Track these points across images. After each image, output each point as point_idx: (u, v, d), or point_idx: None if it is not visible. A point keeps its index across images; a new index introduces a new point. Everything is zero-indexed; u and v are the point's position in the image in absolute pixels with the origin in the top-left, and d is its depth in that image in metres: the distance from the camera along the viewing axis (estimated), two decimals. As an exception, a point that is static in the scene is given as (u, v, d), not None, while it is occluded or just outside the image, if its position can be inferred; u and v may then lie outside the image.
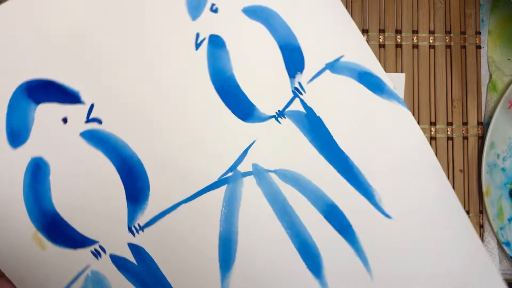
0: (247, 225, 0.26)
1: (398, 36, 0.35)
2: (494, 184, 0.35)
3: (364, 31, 0.35)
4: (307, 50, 0.28)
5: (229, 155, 0.27)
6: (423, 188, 0.28)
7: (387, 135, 0.28)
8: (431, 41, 0.35)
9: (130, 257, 0.26)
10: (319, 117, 0.28)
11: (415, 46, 0.35)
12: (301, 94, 0.28)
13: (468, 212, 0.35)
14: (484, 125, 0.35)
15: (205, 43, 0.27)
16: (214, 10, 0.27)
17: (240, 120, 0.27)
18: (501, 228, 0.35)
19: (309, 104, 0.28)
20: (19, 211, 0.25)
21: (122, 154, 0.26)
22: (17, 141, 0.25)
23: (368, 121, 0.28)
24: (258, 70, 0.28)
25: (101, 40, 0.26)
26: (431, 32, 0.35)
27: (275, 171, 0.27)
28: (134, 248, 0.26)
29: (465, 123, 0.35)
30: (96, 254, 0.26)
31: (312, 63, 0.28)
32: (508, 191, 0.35)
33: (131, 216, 0.26)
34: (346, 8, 0.35)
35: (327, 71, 0.28)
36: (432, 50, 0.35)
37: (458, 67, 0.35)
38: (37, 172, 0.25)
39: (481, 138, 0.35)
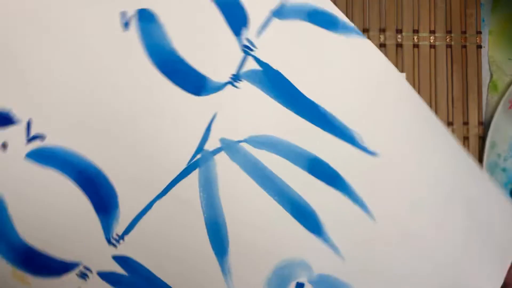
0: (232, 204, 0.24)
1: (399, 36, 0.35)
2: (495, 184, 0.35)
3: (365, 31, 0.35)
4: (247, 1, 0.26)
5: (192, 136, 0.24)
6: (401, 115, 0.26)
7: (352, 71, 0.26)
8: (431, 41, 0.35)
9: (118, 269, 0.24)
10: (277, 70, 0.25)
11: (416, 46, 0.35)
12: (252, 50, 0.25)
13: (468, 212, 0.35)
14: (484, 125, 0.35)
15: (134, 21, 0.24)
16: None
17: (193, 95, 0.25)
18: (501, 229, 0.34)
19: (263, 59, 0.25)
20: None
21: (77, 166, 0.24)
22: None
23: (329, 62, 0.26)
24: (199, 36, 0.25)
25: (22, 46, 0.24)
26: (432, 32, 0.35)
27: (245, 140, 0.25)
28: (120, 259, 0.24)
29: (465, 123, 0.35)
30: (83, 275, 0.24)
31: (255, 14, 0.26)
32: (509, 191, 0.35)
33: (106, 227, 0.24)
34: (346, 7, 0.35)
35: (275, 19, 0.26)
36: (432, 49, 0.35)
37: (458, 67, 0.35)
38: None
39: (482, 138, 0.35)
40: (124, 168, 0.24)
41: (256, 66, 0.25)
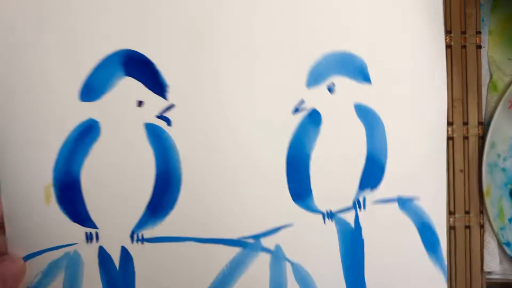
0: None
1: (398, 36, 0.35)
2: (495, 184, 0.35)
3: (364, 31, 0.35)
4: (389, 172, 0.28)
5: (260, 224, 0.26)
6: None
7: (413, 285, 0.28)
8: (431, 41, 0.35)
9: (116, 259, 0.25)
10: (363, 239, 0.27)
11: (416, 46, 0.35)
12: (360, 209, 0.27)
13: (468, 212, 0.35)
14: (484, 125, 0.35)
15: (305, 112, 0.27)
16: (330, 89, 0.27)
17: (290, 198, 0.26)
18: (501, 229, 0.34)
19: (361, 222, 0.27)
20: (48, 158, 0.24)
21: (169, 163, 0.25)
22: (87, 97, 0.25)
23: (403, 271, 0.28)
24: (333, 165, 0.27)
25: (217, 52, 0.26)
26: (432, 32, 0.35)
27: (292, 263, 0.26)
28: (124, 253, 0.25)
29: (465, 123, 0.35)
30: (89, 237, 0.25)
31: (386, 186, 0.28)
32: (509, 191, 0.35)
33: (141, 223, 0.25)
34: (346, 7, 0.35)
35: (395, 203, 0.28)
36: (432, 50, 0.35)
37: (458, 67, 0.35)
38: (86, 134, 0.25)
39: (482, 138, 0.35)
40: (196, 199, 0.25)
41: (351, 221, 0.28)
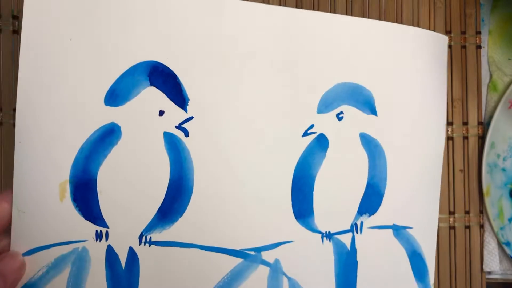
0: None
1: (398, 36, 0.35)
2: (495, 184, 0.35)
3: (364, 31, 0.35)
4: (387, 201, 0.29)
5: (262, 238, 0.27)
6: None
7: None
8: (431, 41, 0.35)
9: (123, 259, 0.26)
10: (357, 262, 0.29)
11: (416, 46, 0.35)
12: (356, 233, 0.29)
13: (468, 212, 0.35)
14: (484, 125, 0.35)
15: (313, 136, 0.28)
16: (339, 117, 0.29)
17: (293, 216, 0.28)
18: (501, 228, 0.34)
19: (357, 245, 0.29)
20: (67, 156, 0.25)
21: (183, 172, 0.26)
22: (112, 102, 0.26)
23: None
24: (336, 189, 0.28)
25: (239, 73, 0.27)
26: (432, 32, 0.35)
27: (289, 278, 0.27)
28: (131, 254, 0.26)
29: (465, 123, 0.35)
30: (99, 236, 0.26)
31: (383, 214, 0.29)
32: (509, 191, 0.35)
33: (150, 226, 0.26)
34: (346, 7, 0.35)
35: (390, 230, 0.30)
36: (432, 50, 0.35)
37: (458, 67, 0.35)
38: (107, 136, 0.26)
39: (482, 138, 0.35)
40: (206, 208, 0.27)
41: (347, 243, 0.29)
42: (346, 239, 0.29)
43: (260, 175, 0.27)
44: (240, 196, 0.27)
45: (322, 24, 0.28)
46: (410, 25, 0.35)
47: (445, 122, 0.31)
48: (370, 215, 0.29)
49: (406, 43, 0.30)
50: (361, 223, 0.29)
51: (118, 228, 0.26)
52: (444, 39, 0.31)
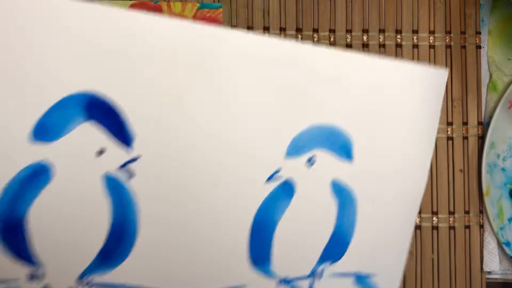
0: None
1: (398, 36, 0.35)
2: (494, 184, 0.35)
3: (364, 31, 0.35)
4: (352, 249, 0.27)
5: (213, 282, 0.25)
6: None
7: None
8: (431, 41, 0.35)
9: None
10: None
11: (415, 46, 0.35)
12: (315, 279, 0.27)
13: (468, 212, 0.35)
14: (484, 125, 0.35)
15: (278, 182, 0.26)
16: (310, 162, 0.26)
17: (251, 264, 0.26)
18: (501, 228, 0.34)
19: None
20: None
21: (126, 216, 0.24)
22: (41, 136, 0.23)
23: None
24: (298, 236, 0.26)
25: (198, 108, 0.24)
26: (431, 32, 0.35)
27: None
28: None
29: (465, 123, 0.35)
30: (33, 276, 0.24)
31: (346, 261, 0.27)
32: (508, 191, 0.35)
33: (91, 268, 0.24)
34: (346, 8, 0.35)
35: (352, 278, 0.28)
36: (432, 50, 0.35)
37: (458, 67, 0.35)
38: (35, 177, 0.23)
39: (481, 138, 0.35)
40: (150, 258, 0.24)
41: None
42: (304, 285, 0.27)
43: (216, 221, 0.25)
44: (193, 239, 0.25)
45: (302, 55, 0.25)
46: (409, 24, 0.35)
47: (429, 163, 0.29)
48: (332, 263, 0.27)
49: (398, 79, 0.27)
50: (322, 270, 0.27)
51: (56, 268, 0.24)
52: (444, 73, 0.29)
